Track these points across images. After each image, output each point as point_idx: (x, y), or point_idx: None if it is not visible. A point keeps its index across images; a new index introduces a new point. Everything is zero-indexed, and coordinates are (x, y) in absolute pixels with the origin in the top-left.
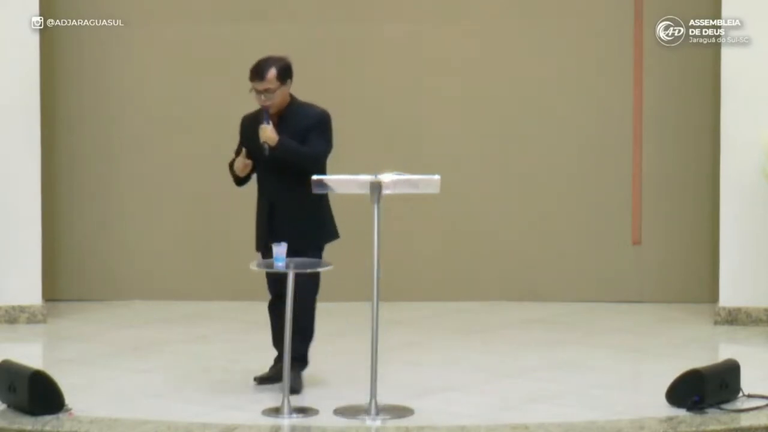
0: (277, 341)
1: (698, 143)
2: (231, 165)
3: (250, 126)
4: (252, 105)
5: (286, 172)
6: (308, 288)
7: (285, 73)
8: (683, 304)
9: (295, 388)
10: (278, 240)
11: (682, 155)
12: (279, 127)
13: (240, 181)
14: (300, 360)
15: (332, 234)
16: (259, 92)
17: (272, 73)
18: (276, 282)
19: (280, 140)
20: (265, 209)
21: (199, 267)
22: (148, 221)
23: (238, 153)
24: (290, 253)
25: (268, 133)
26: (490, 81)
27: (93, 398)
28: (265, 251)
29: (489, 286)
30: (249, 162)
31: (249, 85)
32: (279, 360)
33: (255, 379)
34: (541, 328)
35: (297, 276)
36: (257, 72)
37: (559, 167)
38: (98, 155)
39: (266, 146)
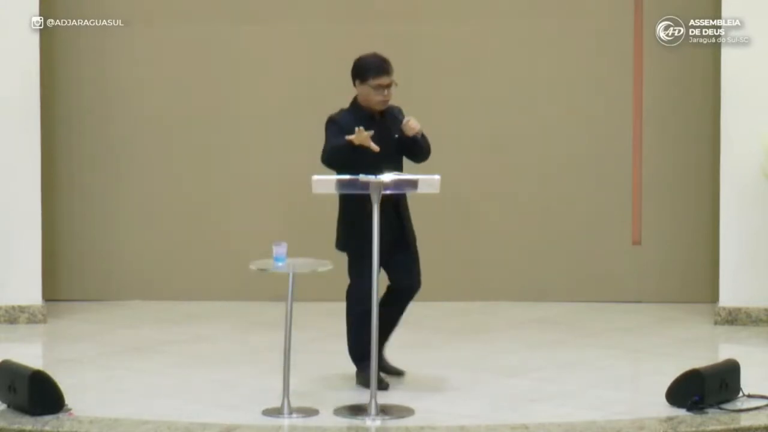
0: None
1: (698, 143)
2: (336, 151)
3: (356, 125)
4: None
5: (399, 169)
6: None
7: None
8: (683, 304)
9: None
10: (404, 238)
11: (682, 155)
12: (387, 125)
13: (346, 165)
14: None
15: None
16: (382, 87)
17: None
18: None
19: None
20: (391, 207)
21: (199, 267)
22: (148, 221)
23: (343, 143)
24: (409, 251)
25: (419, 124)
26: (489, 81)
27: (93, 398)
28: (390, 249)
29: (489, 286)
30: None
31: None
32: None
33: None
34: (541, 328)
35: (418, 275)
36: (387, 67)
37: (559, 167)
38: (98, 155)
39: (418, 138)
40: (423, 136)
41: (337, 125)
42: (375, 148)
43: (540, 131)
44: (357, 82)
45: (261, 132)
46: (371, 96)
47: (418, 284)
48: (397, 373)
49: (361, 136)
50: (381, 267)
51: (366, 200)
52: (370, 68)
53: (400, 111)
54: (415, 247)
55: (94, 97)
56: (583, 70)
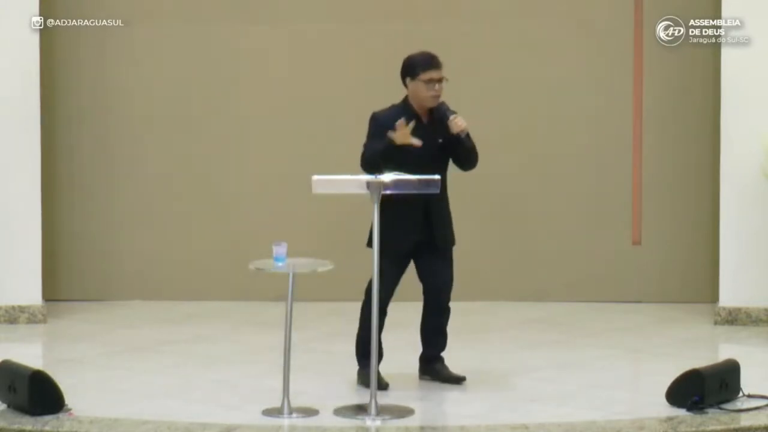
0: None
1: (698, 143)
2: (377, 154)
3: (397, 122)
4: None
5: (441, 173)
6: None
7: None
8: (683, 304)
9: (384, 385)
10: (434, 240)
11: (682, 155)
12: (434, 124)
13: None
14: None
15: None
16: (434, 81)
17: None
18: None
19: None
20: (419, 209)
21: (198, 267)
22: (148, 221)
23: (384, 147)
24: (437, 254)
25: (466, 123)
26: (489, 81)
27: (93, 398)
28: (412, 250)
29: (489, 286)
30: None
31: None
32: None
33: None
34: (541, 328)
35: (444, 275)
36: (436, 61)
37: (559, 167)
38: (98, 155)
39: (463, 135)
40: (469, 137)
41: (376, 123)
42: (417, 143)
43: (540, 131)
44: (407, 80)
45: (261, 132)
46: (422, 92)
47: (444, 284)
48: (457, 380)
49: (403, 132)
50: (416, 269)
51: (393, 200)
52: (419, 63)
53: (448, 108)
54: (446, 249)
55: (94, 96)
56: (583, 70)
